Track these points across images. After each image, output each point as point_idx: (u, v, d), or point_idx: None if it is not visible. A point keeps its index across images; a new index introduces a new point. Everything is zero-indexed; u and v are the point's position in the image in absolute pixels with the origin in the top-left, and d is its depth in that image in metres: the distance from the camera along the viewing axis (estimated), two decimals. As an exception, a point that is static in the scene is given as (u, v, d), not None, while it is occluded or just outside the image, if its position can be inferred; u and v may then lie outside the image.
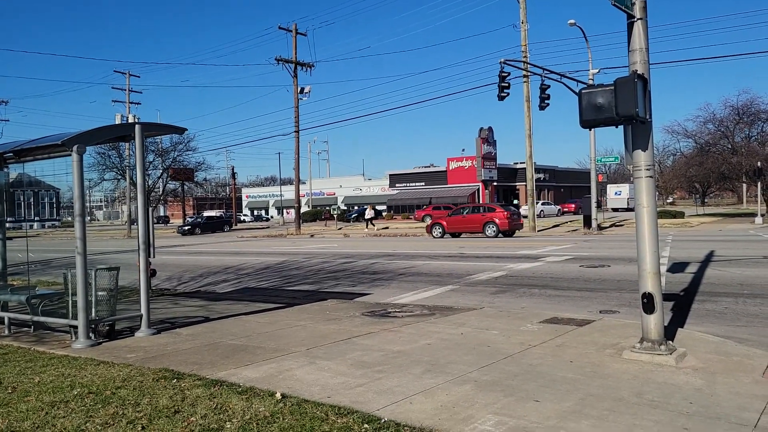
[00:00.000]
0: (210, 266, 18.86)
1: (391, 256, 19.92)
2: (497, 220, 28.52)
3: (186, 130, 8.47)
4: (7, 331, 8.21)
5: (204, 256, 24.21)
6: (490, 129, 58.73)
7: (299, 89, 39.18)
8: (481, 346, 6.56)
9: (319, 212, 71.38)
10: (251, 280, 15.03)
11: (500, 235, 28.49)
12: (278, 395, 4.87)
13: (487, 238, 28.14)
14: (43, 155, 7.88)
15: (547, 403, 4.61)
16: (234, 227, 59.01)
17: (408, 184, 70.77)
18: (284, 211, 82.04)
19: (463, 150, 67.33)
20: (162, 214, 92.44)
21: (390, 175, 74.05)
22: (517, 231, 29.72)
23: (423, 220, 50.41)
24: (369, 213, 44.03)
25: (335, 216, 47.52)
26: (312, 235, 38.70)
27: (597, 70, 28.49)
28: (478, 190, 61.79)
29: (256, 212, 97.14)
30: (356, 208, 70.38)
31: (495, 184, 61.46)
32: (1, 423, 4.28)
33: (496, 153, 59.91)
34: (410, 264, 16.91)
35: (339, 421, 4.26)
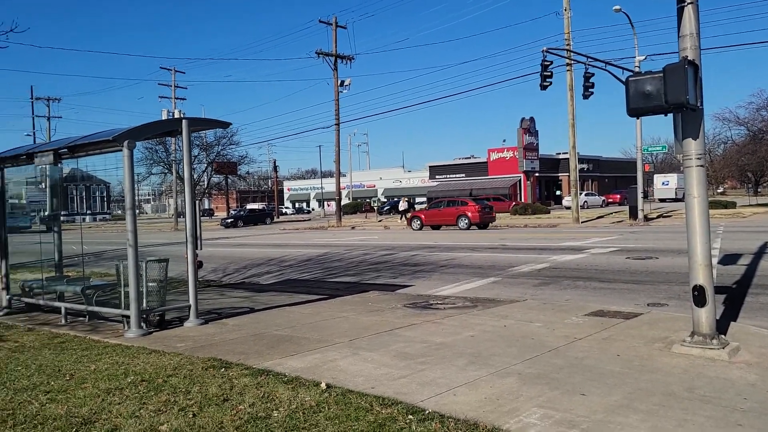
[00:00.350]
0: (253, 258, 19.17)
1: (431, 248, 19.89)
2: (469, 214, 30.58)
3: (230, 124, 8.61)
4: (63, 321, 8.53)
5: (247, 248, 24.62)
6: (531, 119, 57.95)
7: (339, 82, 39.35)
8: (525, 339, 6.51)
9: (360, 204, 71.70)
10: (294, 271, 15.22)
11: (473, 227, 30.44)
12: (323, 385, 4.94)
13: (531, 228, 27.94)
14: (95, 151, 8.13)
15: (593, 396, 4.56)
16: (276, 220, 59.81)
17: (448, 176, 70.41)
18: (325, 203, 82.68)
19: (504, 141, 66.67)
20: (207, 207, 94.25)
21: (430, 166, 73.78)
22: (490, 223, 31.63)
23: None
24: (402, 205, 43.76)
25: (375, 208, 47.68)
26: (353, 227, 38.92)
27: (644, 57, 27.80)
28: (520, 181, 61.10)
29: (297, 205, 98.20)
30: (387, 200, 70.30)
31: (537, 174, 60.68)
32: (61, 408, 4.46)
33: (538, 143, 59.10)
34: (451, 256, 16.86)
35: (383, 411, 4.30)
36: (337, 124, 39.81)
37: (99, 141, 7.79)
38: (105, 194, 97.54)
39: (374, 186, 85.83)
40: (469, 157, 72.32)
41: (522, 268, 13.40)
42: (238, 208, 71.09)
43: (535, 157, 58.67)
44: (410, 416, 4.18)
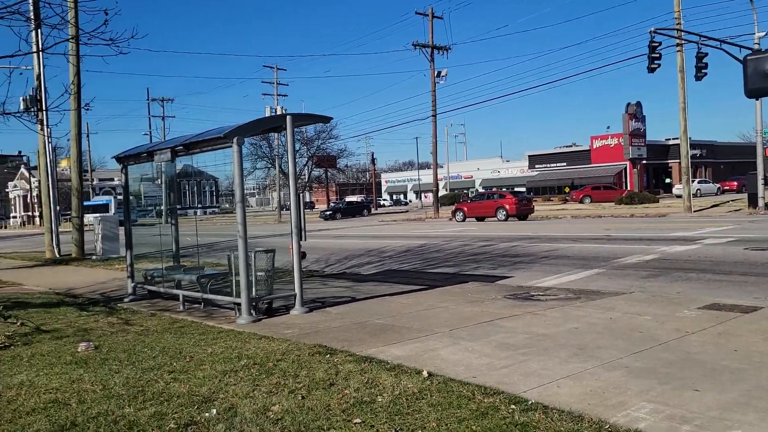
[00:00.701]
0: (353, 249, 19.60)
1: (531, 238, 19.51)
2: (507, 206, 32.82)
3: (331, 118, 8.85)
4: (181, 307, 9.14)
5: (347, 239, 25.19)
6: (638, 104, 55.26)
7: (436, 73, 39.27)
8: (632, 332, 6.29)
9: (457, 195, 71.25)
10: (393, 262, 15.44)
11: (510, 218, 32.47)
12: (425, 373, 5.03)
13: (638, 219, 26.75)
14: (208, 148, 8.63)
15: (707, 393, 4.36)
16: (374, 211, 60.71)
17: (548, 165, 68.58)
18: (422, 194, 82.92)
19: (608, 127, 64.02)
20: (308, 200, 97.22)
21: (529, 155, 72.15)
22: (529, 215, 33.35)
23: (582, 201, 49.45)
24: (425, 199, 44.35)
25: (472, 199, 47.34)
26: (450, 219, 38.80)
27: (763, 34, 25.74)
28: (625, 169, 58.50)
29: (394, 196, 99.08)
30: (473, 192, 69.43)
31: (644, 162, 57.82)
32: (183, 387, 4.82)
33: (645, 129, 56.29)
34: (552, 247, 16.47)
35: (485, 400, 4.33)
36: (434, 116, 39.78)
37: (211, 138, 8.27)
38: (214, 189, 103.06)
39: (471, 177, 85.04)
40: (571, 146, 70.05)
41: (628, 260, 12.88)
42: (337, 201, 72.79)
43: (642, 144, 55.92)
44: (513, 406, 4.18)
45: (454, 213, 36.31)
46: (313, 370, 5.23)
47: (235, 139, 7.79)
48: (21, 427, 3.97)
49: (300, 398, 4.50)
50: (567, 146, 70.54)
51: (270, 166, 55.26)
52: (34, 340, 6.72)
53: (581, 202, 50.13)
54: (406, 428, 3.85)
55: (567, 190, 63.13)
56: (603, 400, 4.29)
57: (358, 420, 4.00)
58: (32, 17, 15.88)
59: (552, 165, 68.15)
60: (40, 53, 18.68)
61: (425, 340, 6.38)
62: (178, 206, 14.35)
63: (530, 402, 4.26)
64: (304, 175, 57.67)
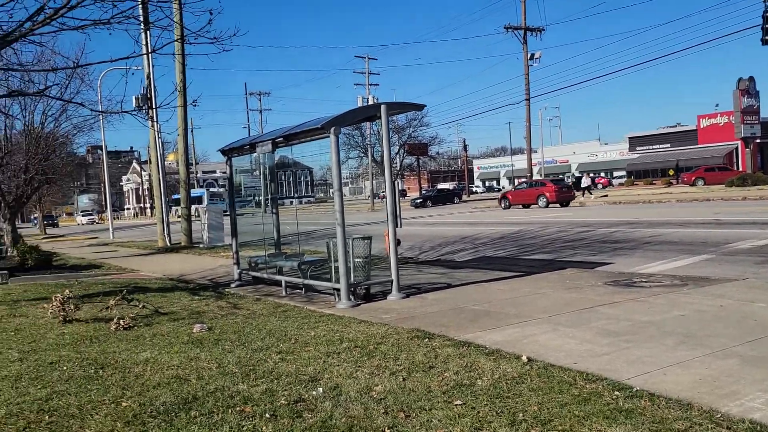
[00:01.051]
0: (447, 236, 19.62)
1: (632, 224, 18.76)
2: (547, 194, 34.75)
3: (425, 106, 8.93)
4: (284, 292, 9.56)
5: (440, 226, 25.22)
6: (751, 79, 51.48)
7: (529, 55, 38.32)
8: (746, 320, 5.97)
9: (552, 181, 69.37)
10: (487, 249, 15.34)
11: (550, 205, 34.45)
12: (524, 358, 5.03)
13: (752, 201, 25.06)
14: (306, 138, 8.94)
15: (832, 384, 4.10)
16: (465, 199, 60.28)
17: (650, 147, 65.30)
18: (515, 180, 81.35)
19: (717, 105, 60.16)
20: (400, 188, 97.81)
21: (630, 137, 68.98)
22: (570, 201, 35.14)
23: (694, 183, 47.04)
24: (585, 181, 43.76)
25: (516, 187, 46.09)
26: (582, 204, 37.92)
27: None
28: (736, 149, 54.74)
29: (487, 183, 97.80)
30: (569, 177, 66.93)
31: (758, 141, 53.86)
32: (290, 367, 5.09)
33: (758, 106, 52.37)
34: (656, 232, 15.77)
35: (588, 386, 4.28)
36: (528, 99, 38.91)
37: (309, 129, 8.56)
38: (309, 179, 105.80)
39: (567, 161, 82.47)
40: (675, 126, 66.41)
41: (740, 245, 12.13)
42: (428, 189, 72.83)
43: (756, 121, 52.11)
44: (616, 392, 4.12)
45: (500, 200, 38.99)
46: (413, 354, 5.35)
47: (332, 130, 8.02)
48: (150, 399, 4.35)
49: (401, 380, 4.63)
50: (671, 126, 66.92)
51: (363, 155, 56.08)
52: (154, 322, 7.27)
53: (693, 184, 47.41)
54: (507, 411, 3.88)
55: (671, 172, 59.96)
56: (714, 388, 4.14)
57: (458, 402, 4.08)
58: (142, 20, 16.95)
59: (654, 147, 64.83)
60: (150, 55, 19.88)
61: (523, 326, 6.35)
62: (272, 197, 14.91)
63: (635, 389, 4.17)
64: (396, 163, 58.01)
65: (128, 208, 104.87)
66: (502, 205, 37.57)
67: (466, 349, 5.43)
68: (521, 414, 3.83)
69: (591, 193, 42.71)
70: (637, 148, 66.74)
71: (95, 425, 3.90)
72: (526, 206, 35.77)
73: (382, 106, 8.39)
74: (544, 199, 34.57)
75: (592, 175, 46.29)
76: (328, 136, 8.20)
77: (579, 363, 4.89)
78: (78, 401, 4.36)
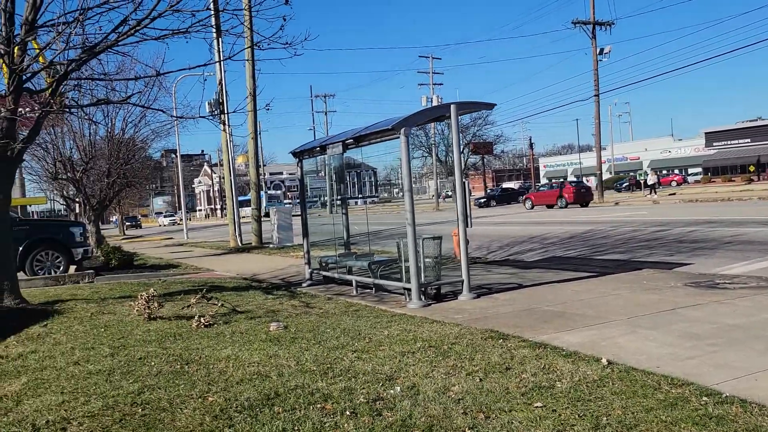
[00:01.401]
0: (514, 236, 19.36)
1: (711, 223, 17.97)
2: (566, 195, 37.33)
3: (495, 105, 8.85)
4: (354, 292, 9.69)
5: (507, 226, 24.90)
6: (840, 67, 48.28)
7: (598, 50, 37.29)
8: (844, 325, 5.64)
9: (623, 179, 67.33)
10: (557, 249, 15.04)
11: (569, 205, 37.07)
12: (604, 361, 4.92)
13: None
14: (376, 139, 9.03)
15: None
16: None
17: (728, 142, 62.29)
18: (583, 179, 79.33)
19: (802, 96, 56.72)
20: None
21: (706, 133, 66.01)
22: (589, 202, 37.51)
23: None
24: (651, 179, 42.90)
25: (642, 182, 44.51)
26: (616, 203, 36.85)
27: None
28: (826, 142, 51.54)
29: (553, 181, 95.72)
30: (641, 175, 64.85)
31: None
32: (367, 365, 5.15)
33: None
34: (737, 231, 15.05)
35: (673, 391, 4.15)
36: (597, 95, 37.87)
37: (379, 130, 8.63)
38: (373, 179, 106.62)
39: (638, 158, 79.73)
40: (756, 120, 63.07)
41: (833, 245, 11.44)
42: (493, 188, 71.97)
43: None
44: (705, 398, 3.97)
45: (524, 201, 42.45)
46: (488, 354, 5.32)
47: (402, 130, 8.07)
48: (234, 394, 4.50)
49: (478, 380, 4.62)
50: (751, 120, 63.64)
51: (426, 154, 56.01)
52: (232, 320, 7.51)
53: None
54: (590, 415, 3.81)
55: (751, 168, 57.06)
56: (812, 396, 3.93)
57: (539, 404, 4.03)
58: (215, 29, 17.50)
59: (733, 142, 61.81)
60: (222, 62, 20.53)
61: (600, 328, 6.21)
62: (338, 197, 15.08)
63: (724, 395, 4.02)
64: (462, 162, 57.74)
65: (200, 210, 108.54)
66: (526, 206, 40.48)
67: (542, 351, 5.36)
68: (605, 418, 3.75)
69: (655, 192, 42.23)
70: (715, 144, 63.80)
71: (185, 419, 4.07)
72: (550, 206, 38.37)
73: (452, 106, 8.37)
74: (563, 200, 37.37)
75: (656, 173, 45.13)
76: (398, 137, 8.25)
77: (662, 367, 4.74)
78: (168, 395, 4.57)
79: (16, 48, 8.18)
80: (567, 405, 4.00)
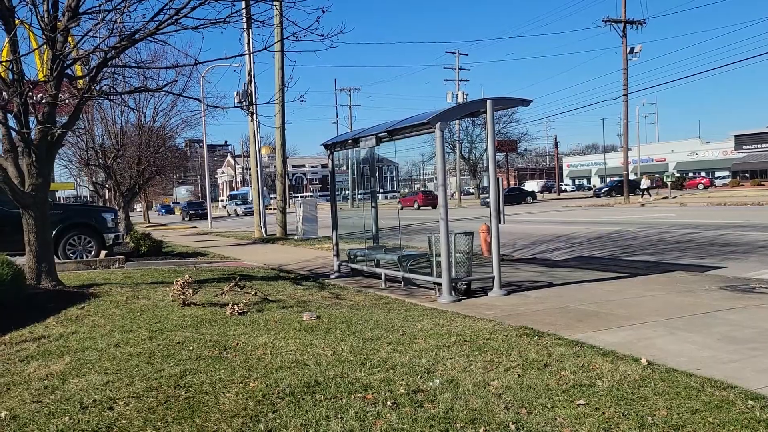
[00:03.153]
0: (540, 234, 19.24)
1: (743, 227, 17.68)
2: (418, 200, 50.19)
3: (531, 102, 8.79)
4: (383, 285, 9.71)
5: (532, 224, 24.73)
6: None
7: (628, 49, 36.81)
8: None
9: (615, 181, 66.50)
10: (585, 248, 14.92)
11: (420, 207, 46.54)
12: (644, 361, 4.88)
13: None
14: (411, 133, 9.03)
15: None
16: (542, 198, 58.71)
17: (760, 145, 61.16)
18: (608, 179, 78.45)
19: (837, 100, 55.48)
20: (485, 184, 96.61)
21: (736, 135, 64.88)
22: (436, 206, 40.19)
23: None
24: (644, 183, 46.59)
25: (668, 184, 43.93)
26: (642, 204, 36.41)
27: None
28: None
29: (577, 181, 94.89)
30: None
31: None
32: (404, 357, 5.17)
33: None
34: (771, 236, 14.79)
35: (717, 394, 4.11)
36: (626, 95, 37.41)
37: (414, 124, 8.63)
38: (394, 174, 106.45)
39: (664, 160, 78.67)
40: (787, 123, 61.73)
41: None
42: (508, 187, 71.43)
43: None
44: (750, 402, 3.93)
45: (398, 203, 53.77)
46: (525, 351, 5.31)
47: (438, 124, 8.06)
48: (275, 381, 4.55)
49: (516, 376, 4.61)
50: (782, 123, 62.36)
51: (450, 151, 55.80)
52: (264, 308, 7.57)
53: None
54: (634, 414, 3.79)
55: (782, 173, 55.96)
56: None
57: (581, 402, 4.02)
58: (245, 20, 17.58)
59: (764, 145, 60.69)
60: (251, 54, 20.62)
61: (637, 328, 6.16)
62: (361, 191, 15.09)
63: (771, 399, 3.96)
64: (483, 159, 57.35)
65: (222, 200, 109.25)
66: (400, 206, 49.75)
67: (579, 349, 5.33)
68: (650, 418, 3.72)
69: (650, 195, 44.05)
70: (744, 147, 62.69)
71: (228, 402, 4.12)
72: (411, 207, 49.54)
73: (488, 102, 8.34)
74: (417, 204, 49.87)
75: (649, 177, 50.30)
76: (433, 131, 8.24)
77: (703, 369, 4.70)
78: (209, 379, 4.62)
79: (59, 35, 8.30)
80: (610, 403, 3.98)
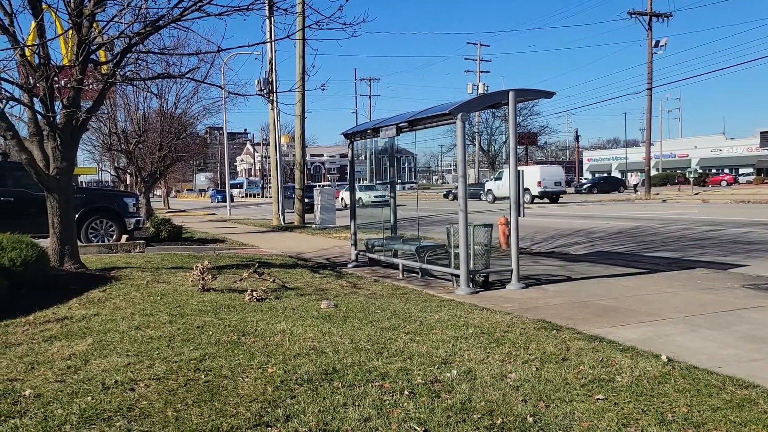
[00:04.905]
0: (559, 228, 19.11)
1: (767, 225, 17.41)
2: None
3: (554, 94, 8.69)
4: (401, 275, 9.72)
5: (551, 218, 24.56)
6: None
7: (654, 43, 36.27)
8: None
9: (671, 176, 65.72)
10: (604, 243, 14.80)
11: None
12: (664, 357, 4.84)
13: None
14: (431, 124, 8.99)
15: None
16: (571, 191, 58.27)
17: (785, 143, 60.06)
18: (628, 174, 77.66)
19: None
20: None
21: (761, 132, 63.83)
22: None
23: None
24: (634, 180, 49.63)
25: (691, 180, 43.39)
26: (664, 200, 35.98)
27: None
28: None
29: (596, 175, 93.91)
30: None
31: None
32: (421, 347, 5.18)
33: None
34: (795, 235, 14.54)
35: (739, 392, 4.06)
36: (650, 89, 36.89)
37: (435, 115, 8.59)
38: (412, 165, 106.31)
39: (687, 155, 77.61)
40: (815, 120, 60.58)
41: None
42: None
43: None
44: (773, 401, 3.88)
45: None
46: (542, 344, 5.29)
47: (459, 116, 8.01)
48: (293, 367, 4.58)
49: (534, 369, 4.60)
50: (810, 121, 61.21)
51: (469, 143, 55.55)
52: (282, 296, 7.62)
53: None
54: (654, 410, 3.76)
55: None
56: None
57: (600, 396, 4.00)
58: (268, 8, 17.58)
59: (790, 142, 59.65)
60: (273, 42, 20.64)
61: (657, 325, 6.10)
62: (379, 182, 15.06)
63: (794, 399, 3.91)
64: (502, 152, 57.09)
65: (241, 187, 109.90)
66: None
67: (598, 344, 5.30)
68: (670, 414, 3.69)
69: (637, 191, 46.06)
70: (769, 144, 61.69)
71: (247, 387, 4.16)
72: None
73: (510, 93, 8.27)
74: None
75: (638, 174, 52.74)
76: (454, 122, 8.20)
77: (724, 368, 4.64)
78: (228, 364, 4.67)
79: (85, 20, 8.37)
80: (629, 399, 3.95)
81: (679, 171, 68.03)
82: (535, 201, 38.16)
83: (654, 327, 6.03)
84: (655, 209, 28.06)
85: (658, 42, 36.53)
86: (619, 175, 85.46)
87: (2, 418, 3.67)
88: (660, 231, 17.06)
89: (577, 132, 72.67)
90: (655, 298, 7.48)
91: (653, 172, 64.14)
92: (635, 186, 48.56)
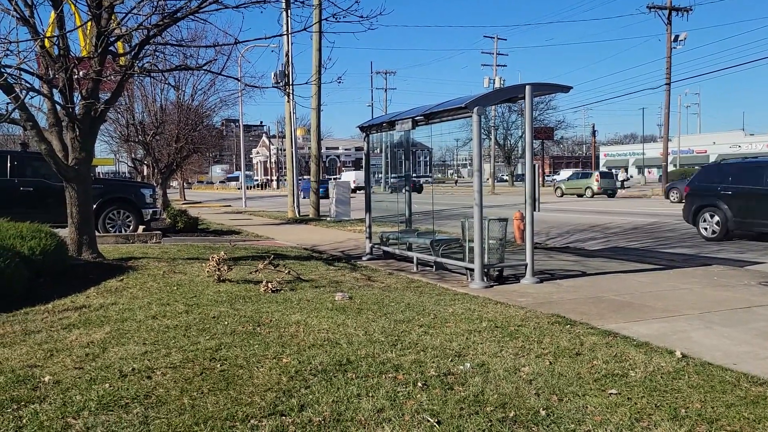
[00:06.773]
0: (574, 224, 19.01)
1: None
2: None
3: (571, 88, 8.64)
4: (415, 269, 9.74)
5: (566, 213, 24.44)
6: None
7: (673, 37, 35.84)
8: None
9: (688, 172, 64.88)
10: (620, 239, 14.71)
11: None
12: (678, 353, 4.82)
13: None
14: (447, 117, 8.98)
15: None
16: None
17: (806, 139, 59.13)
18: (645, 170, 76.95)
19: None
20: (519, 172, 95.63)
21: (781, 128, 62.74)
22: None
23: None
24: (621, 176, 50.01)
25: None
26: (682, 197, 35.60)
27: None
28: None
29: (614, 171, 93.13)
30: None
31: None
32: (435, 340, 5.20)
33: None
34: (815, 233, 14.34)
35: (754, 389, 4.04)
36: (668, 84, 36.50)
37: (451, 108, 8.58)
38: (428, 159, 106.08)
39: (705, 152, 76.69)
40: (837, 116, 59.60)
41: None
42: (550, 173, 70.55)
43: None
44: (788, 399, 3.85)
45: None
46: (556, 339, 5.29)
47: (475, 109, 8.00)
48: (307, 358, 4.63)
49: (548, 363, 4.60)
50: (832, 117, 60.20)
51: (485, 137, 55.32)
52: (297, 287, 7.67)
53: None
54: (667, 405, 3.76)
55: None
56: None
57: (613, 391, 4.00)
58: (284, 0, 17.59)
59: (810, 139, 58.71)
60: (290, 34, 20.68)
61: (671, 321, 6.07)
62: (394, 175, 15.05)
63: (809, 397, 3.88)
64: (518, 146, 56.81)
65: (256, 180, 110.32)
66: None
67: (612, 339, 5.29)
68: (683, 410, 3.69)
69: (624, 188, 46.35)
70: (790, 140, 60.73)
71: (262, 377, 4.21)
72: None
73: (527, 87, 8.24)
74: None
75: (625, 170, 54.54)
76: (470, 116, 8.19)
77: (739, 364, 4.62)
78: (244, 353, 4.73)
79: (104, 12, 8.45)
80: (642, 394, 3.95)
81: (697, 167, 67.26)
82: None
83: (669, 323, 6.00)
84: (672, 205, 27.81)
85: (677, 36, 36.10)
86: (635, 172, 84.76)
87: (22, 403, 3.75)
88: (677, 227, 16.91)
89: (594, 127, 72.05)
90: (670, 294, 7.44)
91: (671, 168, 63.53)
92: (623, 182, 47.52)
